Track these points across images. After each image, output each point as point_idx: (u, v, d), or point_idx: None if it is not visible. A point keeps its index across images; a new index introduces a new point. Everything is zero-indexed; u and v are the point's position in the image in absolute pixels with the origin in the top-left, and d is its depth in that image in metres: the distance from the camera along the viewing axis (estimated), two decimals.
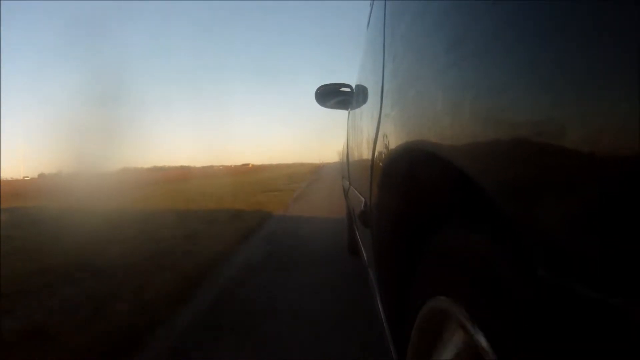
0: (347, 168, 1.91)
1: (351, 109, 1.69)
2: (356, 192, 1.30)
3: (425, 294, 0.43)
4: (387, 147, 0.58)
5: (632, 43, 0.15)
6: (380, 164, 0.63)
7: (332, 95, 1.86)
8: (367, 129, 0.89)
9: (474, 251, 0.34)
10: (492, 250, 0.31)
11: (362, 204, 0.95)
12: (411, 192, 0.52)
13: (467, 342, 0.33)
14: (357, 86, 1.43)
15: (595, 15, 0.17)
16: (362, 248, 1.15)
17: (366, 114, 0.94)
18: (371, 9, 1.07)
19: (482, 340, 0.29)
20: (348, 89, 1.82)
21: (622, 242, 0.16)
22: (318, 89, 1.87)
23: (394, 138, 0.53)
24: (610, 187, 0.17)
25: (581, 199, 0.18)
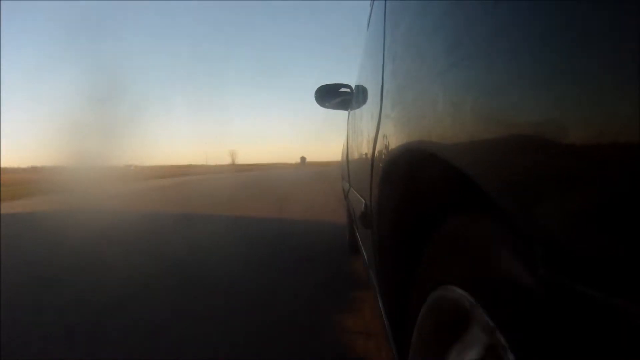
0: (347, 169, 1.91)
1: (351, 110, 1.69)
2: (356, 193, 1.30)
3: (432, 283, 0.43)
4: (387, 147, 0.57)
5: (633, 43, 0.15)
6: (381, 165, 0.62)
7: (332, 96, 1.87)
8: (367, 130, 0.89)
9: (481, 239, 0.34)
10: (499, 239, 0.31)
11: (363, 205, 0.95)
12: (412, 193, 0.52)
13: (477, 331, 0.33)
14: (357, 86, 1.43)
15: (596, 15, 0.17)
16: (363, 248, 1.15)
17: (366, 115, 0.94)
18: (371, 9, 1.07)
19: (492, 326, 0.28)
20: (348, 90, 1.82)
21: (627, 240, 0.16)
22: (318, 90, 1.87)
23: (394, 139, 0.53)
24: (612, 187, 0.16)
25: (582, 199, 0.18)
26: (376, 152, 0.69)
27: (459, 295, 0.35)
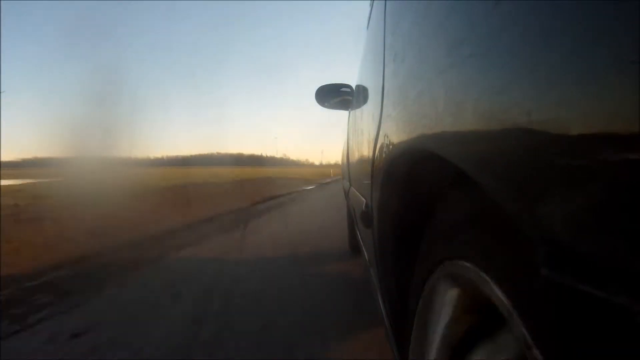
0: (347, 168, 1.91)
1: (351, 110, 1.69)
2: (357, 192, 1.30)
3: (437, 258, 0.42)
4: (388, 147, 0.58)
5: (634, 43, 0.15)
6: (382, 164, 0.63)
7: (332, 96, 1.87)
8: (367, 129, 0.89)
9: (489, 211, 0.34)
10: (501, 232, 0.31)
11: (363, 205, 0.95)
12: (413, 193, 0.52)
13: (484, 301, 0.33)
14: (358, 86, 1.43)
15: (598, 15, 0.17)
16: (363, 248, 1.15)
17: (367, 114, 0.94)
18: (371, 9, 1.07)
19: (503, 300, 0.28)
20: (348, 90, 1.83)
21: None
22: (318, 90, 1.88)
23: (395, 138, 0.53)
24: (615, 186, 0.17)
25: (585, 198, 0.18)
26: (377, 151, 0.69)
27: (464, 267, 0.35)
